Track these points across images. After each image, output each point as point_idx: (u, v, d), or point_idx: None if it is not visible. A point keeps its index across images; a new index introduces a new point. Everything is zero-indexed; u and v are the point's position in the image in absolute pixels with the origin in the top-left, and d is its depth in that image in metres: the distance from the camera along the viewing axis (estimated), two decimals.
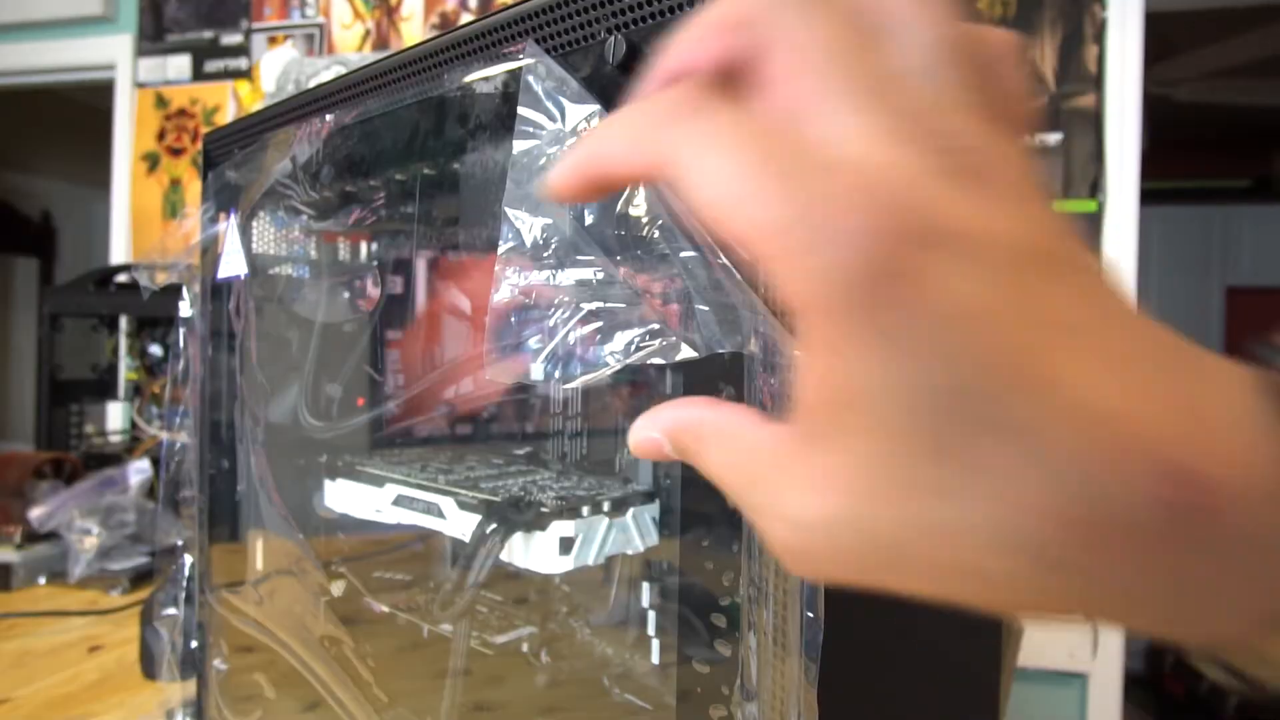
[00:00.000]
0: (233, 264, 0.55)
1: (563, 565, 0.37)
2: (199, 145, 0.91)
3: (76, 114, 3.05)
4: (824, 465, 0.15)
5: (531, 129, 0.32)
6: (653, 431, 0.20)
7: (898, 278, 0.14)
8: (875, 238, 0.14)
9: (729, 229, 0.15)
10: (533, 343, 0.30)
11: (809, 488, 0.16)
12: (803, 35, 0.16)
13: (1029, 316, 0.14)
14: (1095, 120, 1.51)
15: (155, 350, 1.34)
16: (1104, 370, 0.14)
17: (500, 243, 0.30)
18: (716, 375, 0.29)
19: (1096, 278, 0.16)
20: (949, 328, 0.14)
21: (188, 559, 0.60)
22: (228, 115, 2.03)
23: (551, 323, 0.29)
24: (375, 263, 0.58)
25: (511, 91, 0.38)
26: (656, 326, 0.27)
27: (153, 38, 2.10)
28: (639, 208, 0.29)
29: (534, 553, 0.37)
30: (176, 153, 2.07)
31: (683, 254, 0.26)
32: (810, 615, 0.26)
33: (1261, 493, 0.14)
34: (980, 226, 0.14)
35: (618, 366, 0.27)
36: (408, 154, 0.43)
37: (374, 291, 0.56)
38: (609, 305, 0.28)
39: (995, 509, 0.14)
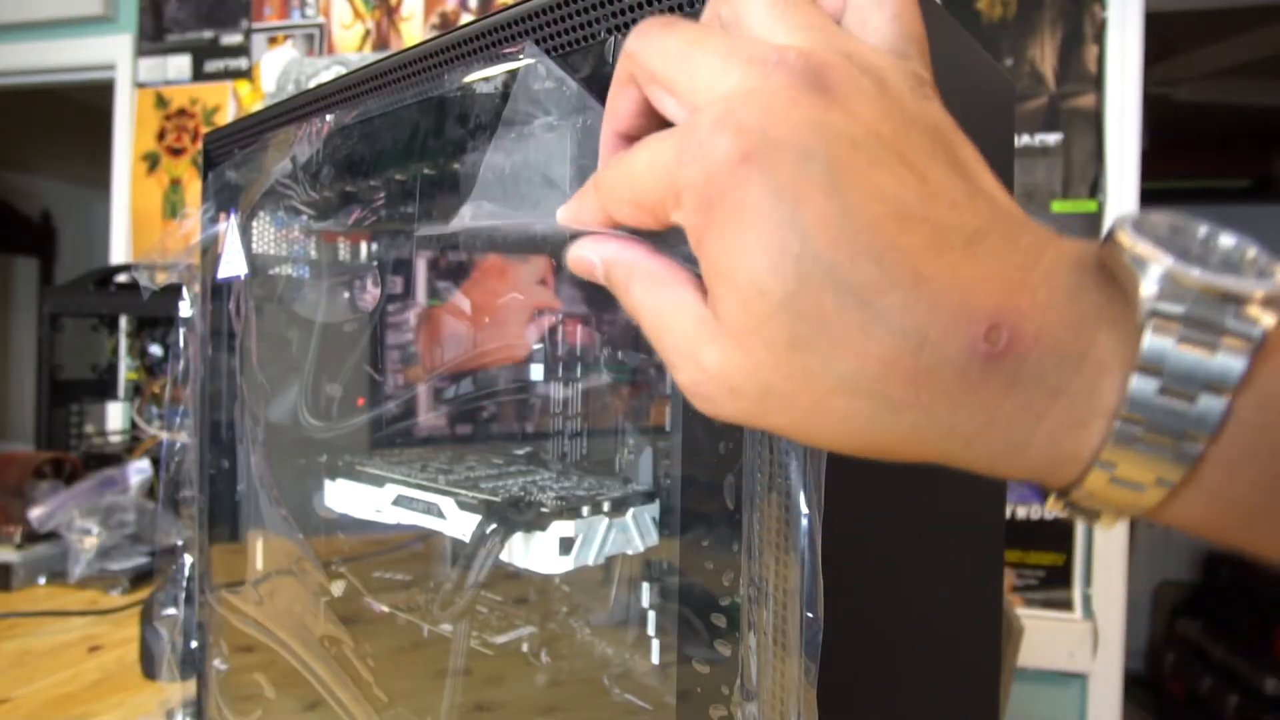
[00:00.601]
0: (233, 264, 0.55)
1: (563, 565, 0.37)
2: (199, 145, 0.91)
3: (76, 114, 3.04)
4: (728, 326, 0.19)
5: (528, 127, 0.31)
6: (592, 255, 0.23)
7: (749, 166, 0.18)
8: (730, 146, 0.18)
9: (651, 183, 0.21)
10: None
11: (718, 344, 0.20)
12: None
13: (880, 195, 0.18)
14: (1095, 120, 1.51)
15: (155, 350, 1.34)
16: (939, 243, 0.18)
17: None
18: None
19: (957, 162, 0.20)
20: (801, 206, 0.18)
21: (188, 559, 0.60)
22: (228, 115, 2.02)
23: None
24: (375, 263, 0.58)
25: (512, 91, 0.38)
26: None
27: (153, 38, 2.10)
28: None
29: (534, 553, 0.37)
30: (176, 153, 2.07)
31: None
32: (810, 615, 0.26)
33: (1061, 350, 0.17)
34: (794, 137, 0.18)
35: None
36: (408, 154, 0.43)
37: (374, 291, 0.56)
38: None
39: (846, 358, 0.18)
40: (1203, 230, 0.18)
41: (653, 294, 0.22)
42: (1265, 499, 0.17)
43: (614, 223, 0.23)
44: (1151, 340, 0.17)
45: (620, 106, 0.24)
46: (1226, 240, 0.18)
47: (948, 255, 0.18)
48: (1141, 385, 0.17)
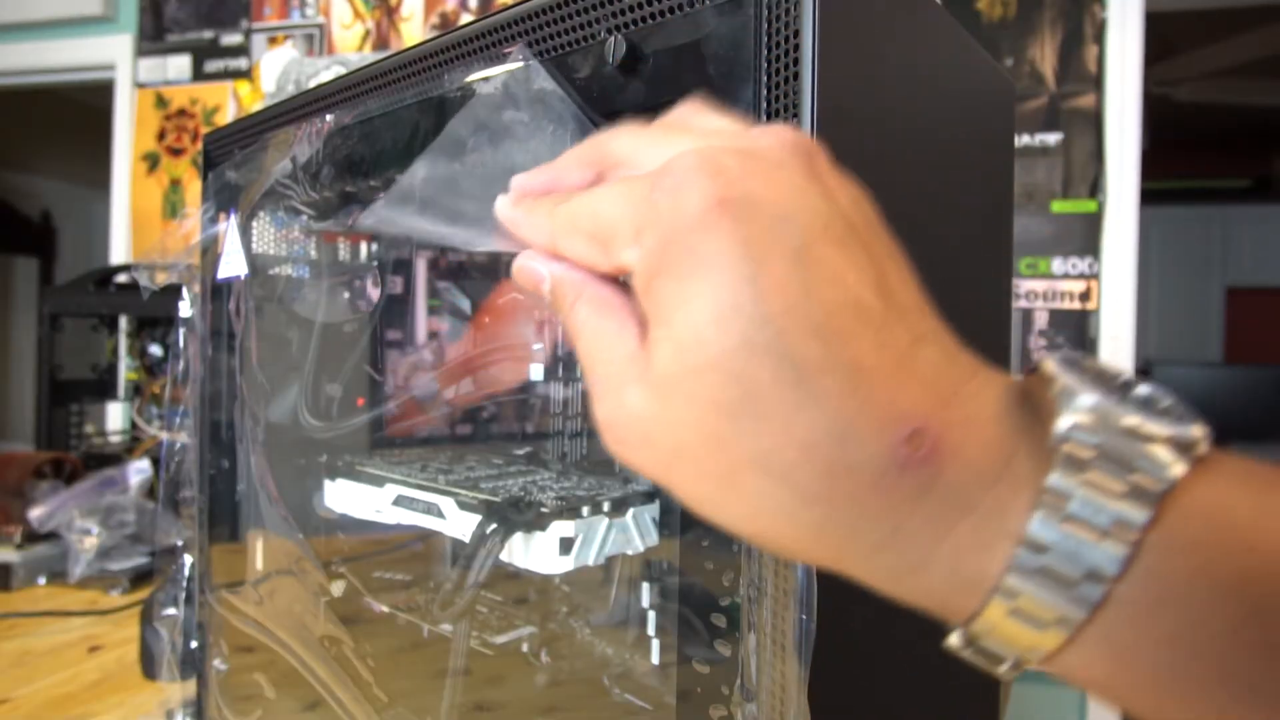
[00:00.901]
0: (233, 264, 0.55)
1: (563, 565, 0.37)
2: (199, 145, 0.91)
3: (76, 114, 3.05)
4: (657, 371, 0.19)
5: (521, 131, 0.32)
6: (542, 269, 0.23)
7: (722, 214, 0.18)
8: (708, 189, 0.18)
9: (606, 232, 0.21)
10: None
11: (643, 387, 0.19)
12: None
13: (841, 280, 0.18)
14: (1095, 120, 1.51)
15: (155, 350, 1.34)
16: (885, 340, 0.18)
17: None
18: None
19: (897, 268, 0.20)
20: (765, 267, 0.18)
21: (188, 559, 0.60)
22: (228, 115, 2.02)
23: None
24: (375, 263, 0.58)
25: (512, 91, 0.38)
26: None
27: (153, 38, 2.10)
28: None
29: (534, 553, 0.37)
30: (176, 153, 2.07)
31: None
32: (804, 618, 0.26)
33: (978, 467, 0.17)
34: (773, 197, 0.18)
35: None
36: (408, 154, 0.43)
37: (374, 291, 0.56)
38: None
39: (769, 433, 0.18)
40: (1124, 376, 0.18)
41: (595, 319, 0.21)
42: (1172, 658, 0.16)
43: (556, 253, 0.22)
44: (1061, 472, 0.17)
45: (569, 179, 0.24)
46: (1144, 388, 0.18)
47: (890, 353, 0.18)
48: (1046, 516, 0.16)
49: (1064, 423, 0.17)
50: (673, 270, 0.18)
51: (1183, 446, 0.16)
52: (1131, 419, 0.17)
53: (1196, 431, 0.17)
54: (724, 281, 0.18)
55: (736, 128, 0.21)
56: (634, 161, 0.22)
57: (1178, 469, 0.16)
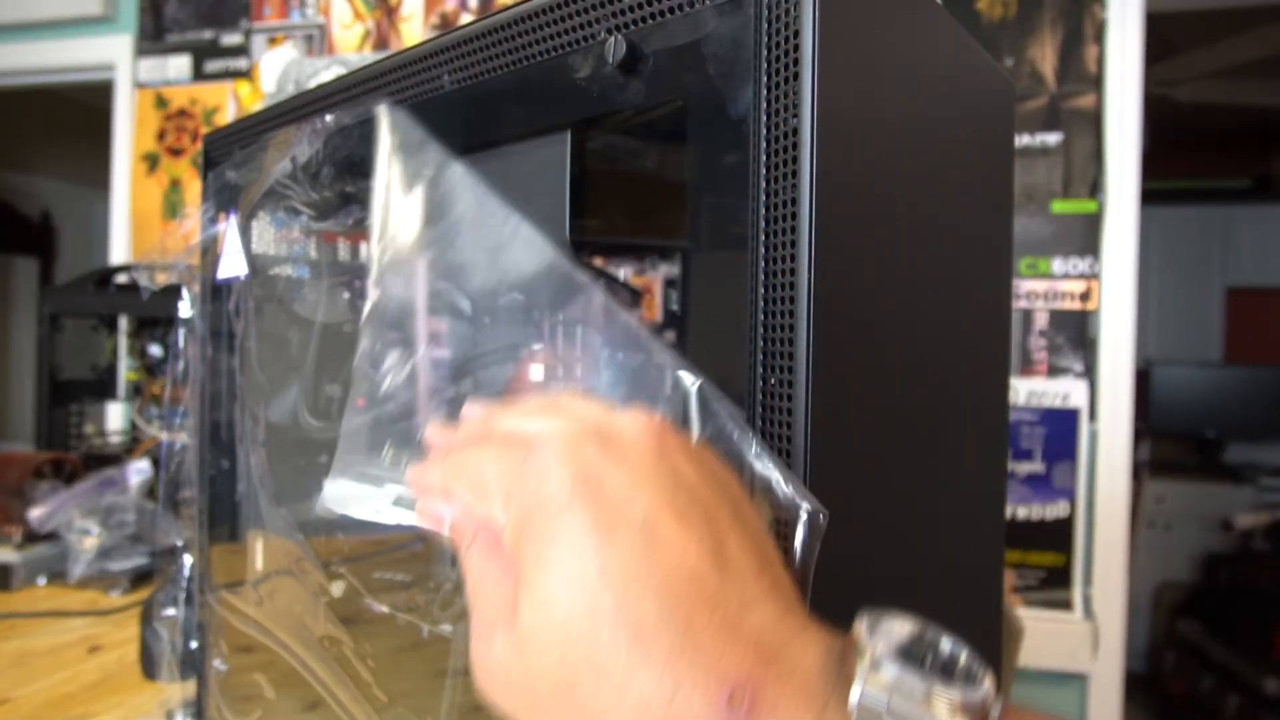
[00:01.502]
0: (233, 264, 0.55)
1: None
2: (199, 145, 0.91)
3: (76, 114, 3.04)
4: (519, 624, 0.22)
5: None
6: (444, 513, 0.26)
7: (577, 496, 0.21)
8: (568, 476, 0.22)
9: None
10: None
11: (509, 636, 0.22)
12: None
13: (682, 549, 0.20)
14: (1095, 120, 1.51)
15: (155, 350, 1.34)
16: (717, 601, 0.20)
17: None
18: (714, 378, 0.29)
19: (750, 530, 0.22)
20: (610, 542, 0.20)
21: (188, 559, 0.60)
22: (228, 115, 2.02)
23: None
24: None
25: (513, 91, 0.38)
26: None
27: (153, 38, 2.10)
28: None
29: None
30: (176, 153, 2.07)
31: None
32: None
33: (794, 718, 0.19)
34: (623, 478, 0.22)
35: None
36: None
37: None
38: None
39: (606, 692, 0.20)
40: (930, 634, 0.20)
41: (482, 563, 0.24)
42: None
43: (450, 495, 0.26)
44: None
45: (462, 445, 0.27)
46: (946, 645, 0.20)
47: (720, 615, 0.20)
48: None
49: (856, 693, 0.19)
50: (535, 538, 0.22)
51: (971, 710, 0.19)
52: (921, 686, 0.19)
53: (986, 694, 0.19)
54: (574, 552, 0.21)
55: (602, 412, 0.25)
56: (515, 433, 0.25)
57: None
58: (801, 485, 0.26)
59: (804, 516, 0.25)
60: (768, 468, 0.26)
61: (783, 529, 0.26)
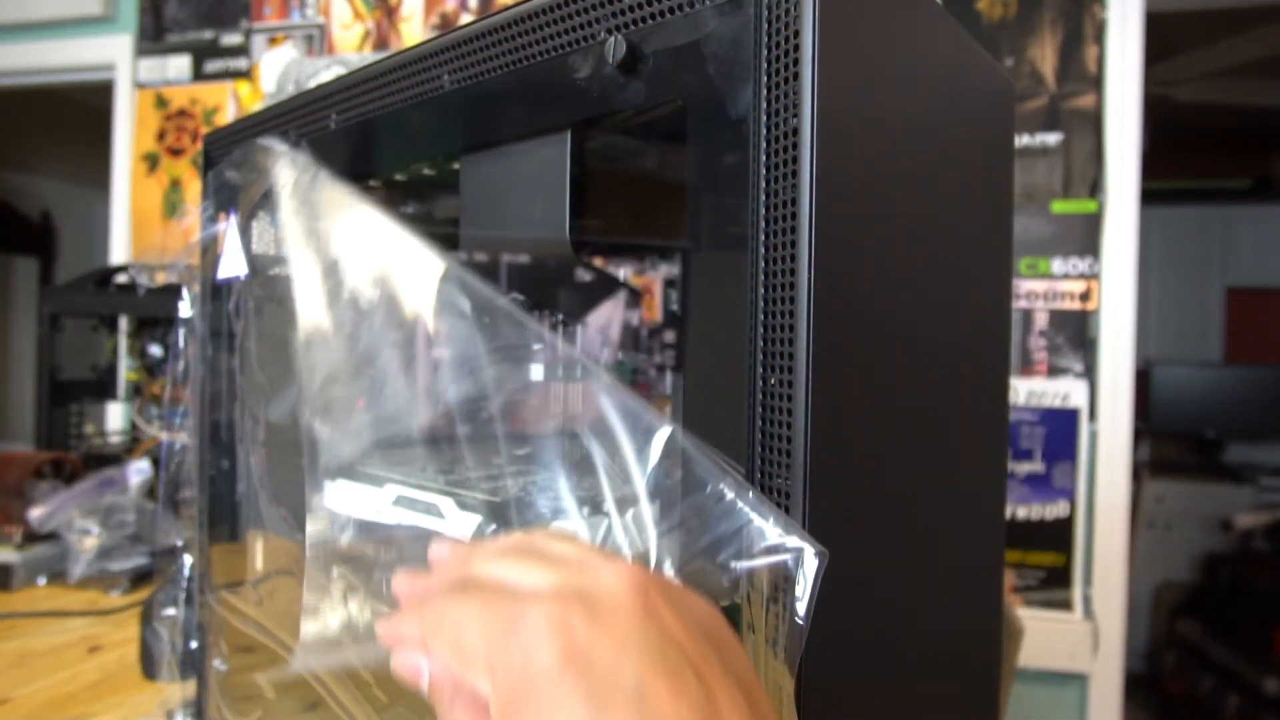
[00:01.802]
0: (233, 264, 0.55)
1: None
2: (199, 145, 0.91)
3: (76, 114, 3.04)
4: None
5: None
6: (423, 668, 0.25)
7: (567, 672, 0.21)
8: (558, 650, 0.22)
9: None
10: None
11: None
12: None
13: (674, 708, 0.21)
14: (1095, 120, 1.51)
15: (155, 350, 1.34)
16: None
17: None
18: (714, 378, 0.29)
19: (738, 675, 0.23)
20: (605, 710, 0.21)
21: (188, 559, 0.60)
22: (228, 115, 2.02)
23: None
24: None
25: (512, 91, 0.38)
26: None
27: (153, 38, 2.10)
28: None
29: None
30: (176, 153, 2.07)
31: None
32: (799, 621, 0.26)
33: None
34: (612, 646, 0.22)
35: None
36: (407, 154, 0.43)
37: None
38: None
39: None
40: None
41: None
42: None
43: (428, 650, 0.25)
44: None
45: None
46: None
47: None
48: None
49: None
50: (528, 714, 0.22)
51: None
52: None
53: None
54: None
55: (583, 557, 0.25)
56: (494, 586, 0.25)
57: None
58: (799, 526, 0.27)
59: (813, 560, 0.26)
60: (762, 515, 0.27)
61: (784, 585, 0.27)
